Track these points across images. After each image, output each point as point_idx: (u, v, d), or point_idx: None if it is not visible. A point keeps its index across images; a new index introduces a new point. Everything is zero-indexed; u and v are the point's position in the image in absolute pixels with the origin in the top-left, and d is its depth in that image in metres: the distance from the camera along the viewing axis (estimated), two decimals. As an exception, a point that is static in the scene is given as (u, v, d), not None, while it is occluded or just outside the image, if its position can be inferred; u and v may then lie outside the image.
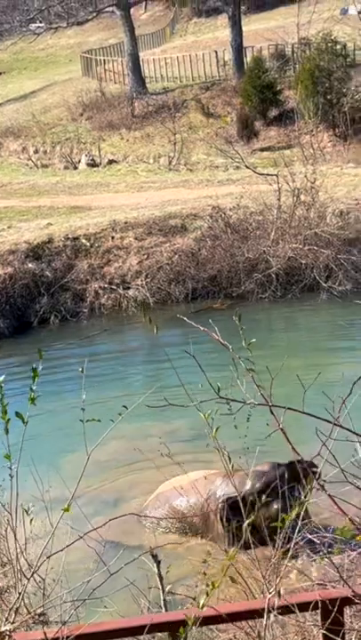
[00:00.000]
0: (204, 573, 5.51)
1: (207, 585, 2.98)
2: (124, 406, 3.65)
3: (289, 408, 3.33)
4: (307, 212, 15.31)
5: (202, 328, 3.62)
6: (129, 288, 15.11)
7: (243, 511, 5.12)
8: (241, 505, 5.21)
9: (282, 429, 3.24)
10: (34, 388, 3.19)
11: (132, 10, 30.86)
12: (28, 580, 4.21)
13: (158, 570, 5.28)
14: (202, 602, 2.91)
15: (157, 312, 14.87)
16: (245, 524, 4.04)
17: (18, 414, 3.17)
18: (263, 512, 6.92)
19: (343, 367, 11.11)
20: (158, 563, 5.28)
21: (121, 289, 15.07)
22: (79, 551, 5.82)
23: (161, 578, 5.23)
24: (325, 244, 14.79)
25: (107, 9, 31.85)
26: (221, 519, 7.23)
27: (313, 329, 14.10)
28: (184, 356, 12.76)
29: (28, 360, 13.47)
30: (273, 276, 14.75)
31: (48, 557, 3.79)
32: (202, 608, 2.90)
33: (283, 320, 14.63)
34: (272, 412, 3.22)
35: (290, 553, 4.11)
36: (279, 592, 3.16)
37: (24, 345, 13.88)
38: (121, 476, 9.11)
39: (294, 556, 6.32)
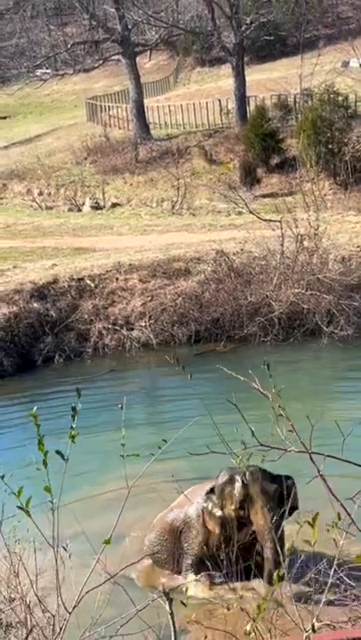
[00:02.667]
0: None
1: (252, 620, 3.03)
2: (164, 440, 3.73)
3: (329, 455, 3.42)
4: (309, 258, 15.53)
5: (242, 378, 3.74)
6: (133, 329, 15.25)
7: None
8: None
9: (321, 476, 3.33)
10: (74, 425, 3.29)
11: (137, 58, 31.51)
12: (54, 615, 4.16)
13: (170, 608, 5.31)
14: (248, 628, 2.96)
15: (160, 353, 14.99)
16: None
17: (58, 452, 3.26)
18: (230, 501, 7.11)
19: (344, 411, 11.20)
20: (170, 601, 5.32)
21: (125, 330, 15.20)
22: (88, 587, 5.85)
23: (173, 616, 5.26)
24: (327, 289, 14.98)
25: (113, 57, 32.52)
26: (203, 514, 7.35)
27: (314, 373, 14.21)
28: (188, 398, 12.72)
29: (31, 399, 13.54)
30: (275, 319, 14.91)
31: (79, 599, 3.74)
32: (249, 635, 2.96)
33: (284, 364, 14.73)
34: (312, 460, 3.32)
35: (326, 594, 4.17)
36: (314, 629, 3.21)
37: (28, 384, 13.97)
38: (125, 513, 9.13)
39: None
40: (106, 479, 9.79)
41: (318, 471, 3.34)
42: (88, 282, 16.00)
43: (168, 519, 7.85)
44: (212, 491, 7.42)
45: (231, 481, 7.28)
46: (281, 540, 6.86)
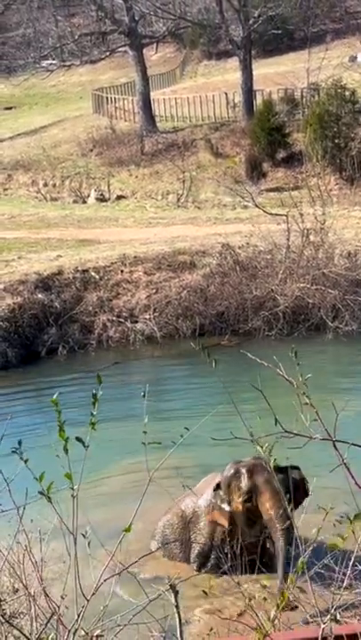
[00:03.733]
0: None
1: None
2: (186, 428, 3.70)
3: (353, 444, 3.39)
4: (315, 253, 15.50)
5: (266, 364, 3.70)
6: (137, 322, 15.23)
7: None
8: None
9: (345, 464, 3.30)
10: (94, 412, 3.26)
11: (143, 50, 31.41)
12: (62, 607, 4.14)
13: (176, 600, 5.29)
14: (272, 614, 2.92)
15: (164, 346, 14.98)
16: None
17: (78, 439, 3.24)
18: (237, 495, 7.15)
19: (348, 406, 11.17)
20: (176, 593, 5.30)
21: (129, 322, 15.18)
22: (91, 578, 5.85)
23: (178, 608, 5.25)
24: (333, 284, 14.95)
25: (120, 49, 32.43)
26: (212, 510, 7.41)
27: (319, 368, 14.17)
28: (193, 391, 12.64)
29: (35, 390, 13.53)
30: (280, 314, 14.88)
31: (98, 586, 3.68)
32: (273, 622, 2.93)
33: (288, 358, 14.68)
34: (335, 447, 3.29)
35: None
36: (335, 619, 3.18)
37: (32, 375, 13.96)
38: (127, 506, 9.12)
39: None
40: (108, 470, 9.78)
41: (342, 459, 3.31)
42: (93, 274, 15.97)
43: (182, 505, 7.88)
44: (218, 486, 7.43)
45: (237, 474, 7.28)
46: (291, 530, 6.84)
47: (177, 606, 5.20)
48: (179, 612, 5.14)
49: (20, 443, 3.49)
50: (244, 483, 7.20)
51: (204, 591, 6.96)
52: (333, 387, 13.26)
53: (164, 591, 5.11)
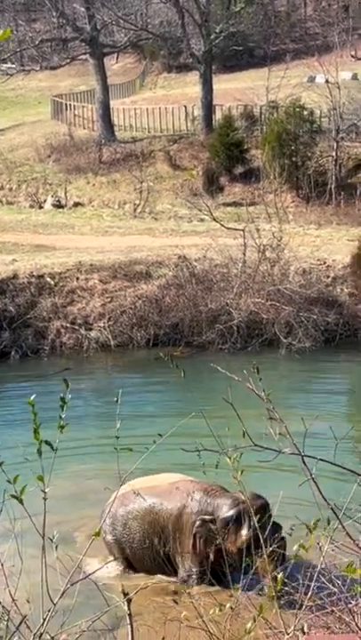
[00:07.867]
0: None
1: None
2: (159, 434, 3.70)
3: (321, 459, 3.43)
4: (271, 269, 15.65)
5: (236, 378, 3.72)
6: (91, 329, 15.18)
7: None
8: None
9: (313, 479, 3.33)
10: (63, 416, 3.26)
11: (104, 59, 31.43)
12: None
13: (129, 609, 5.27)
14: (248, 625, 2.95)
15: (118, 355, 14.96)
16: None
17: (47, 442, 3.22)
18: (232, 538, 6.96)
19: (296, 422, 11.27)
20: (129, 602, 5.27)
21: (83, 329, 15.13)
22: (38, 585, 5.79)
23: (131, 617, 5.23)
24: (287, 300, 15.10)
25: (80, 56, 32.40)
26: (195, 536, 7.18)
27: (270, 383, 14.27)
28: (144, 399, 12.59)
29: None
30: (234, 328, 14.97)
31: (64, 591, 3.64)
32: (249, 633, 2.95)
33: (241, 372, 14.78)
34: (304, 462, 3.33)
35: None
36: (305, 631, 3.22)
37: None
38: (73, 510, 9.06)
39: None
40: (54, 475, 9.70)
41: (310, 474, 3.35)
42: (48, 279, 15.89)
43: (147, 504, 7.47)
44: (212, 520, 7.00)
45: (238, 519, 6.93)
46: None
47: (130, 615, 5.19)
48: (131, 621, 5.13)
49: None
50: (245, 532, 6.86)
51: (174, 600, 6.88)
52: (283, 403, 13.37)
53: (121, 601, 5.11)
